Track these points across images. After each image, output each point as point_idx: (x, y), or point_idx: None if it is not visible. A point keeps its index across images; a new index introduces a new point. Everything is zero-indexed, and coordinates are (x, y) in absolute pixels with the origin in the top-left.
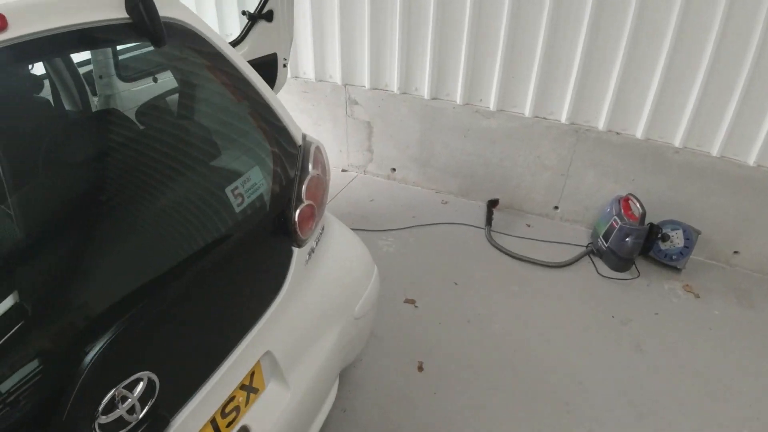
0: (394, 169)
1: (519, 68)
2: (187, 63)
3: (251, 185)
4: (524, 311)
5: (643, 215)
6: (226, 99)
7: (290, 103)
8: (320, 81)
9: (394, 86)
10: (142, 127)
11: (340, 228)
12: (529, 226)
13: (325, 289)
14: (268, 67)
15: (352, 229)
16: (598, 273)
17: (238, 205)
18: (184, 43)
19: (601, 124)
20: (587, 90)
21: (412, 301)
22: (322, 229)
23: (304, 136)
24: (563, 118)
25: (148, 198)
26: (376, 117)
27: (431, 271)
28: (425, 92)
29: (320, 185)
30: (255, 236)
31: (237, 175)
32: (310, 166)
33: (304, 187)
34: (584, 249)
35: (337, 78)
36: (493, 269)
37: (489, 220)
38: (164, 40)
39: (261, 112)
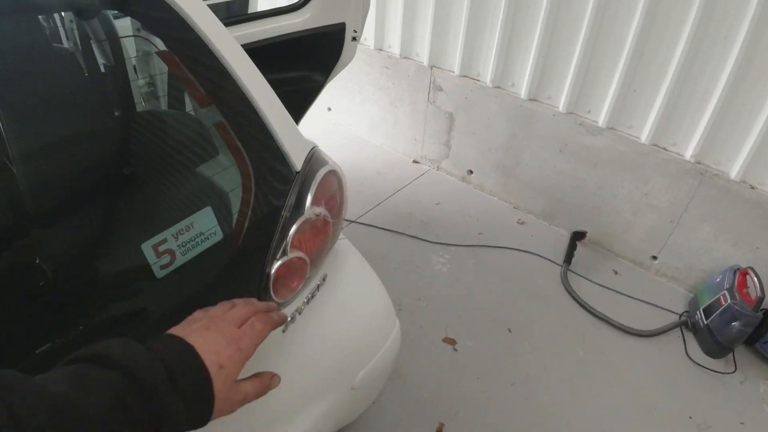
0: (471, 172)
1: (644, 83)
2: (141, 42)
3: (193, 236)
4: (584, 385)
5: (761, 300)
6: (183, 100)
7: (369, 77)
8: (405, 58)
9: (487, 77)
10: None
11: (356, 265)
12: (616, 273)
13: (314, 357)
14: (333, 38)
15: (407, 235)
16: (687, 354)
17: (163, 268)
18: (141, 14)
19: (733, 172)
20: (726, 126)
21: (452, 342)
22: (323, 279)
23: (310, 157)
24: (688, 153)
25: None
26: (460, 109)
27: (484, 307)
28: (522, 90)
29: (322, 230)
30: (193, 304)
31: (170, 221)
32: (308, 203)
33: (291, 233)
34: (677, 319)
35: (423, 57)
36: (559, 321)
37: (569, 256)
38: (93, 10)
39: (240, 121)
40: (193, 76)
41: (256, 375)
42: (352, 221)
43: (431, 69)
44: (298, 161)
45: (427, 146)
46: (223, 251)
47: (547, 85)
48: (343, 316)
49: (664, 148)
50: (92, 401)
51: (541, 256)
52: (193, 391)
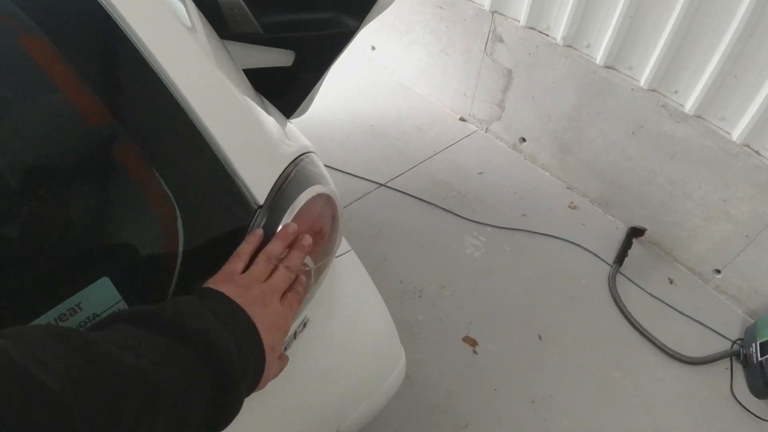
0: (523, 140)
1: (749, 69)
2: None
3: (83, 320)
4: (612, 413)
5: None
6: (62, 115)
7: (420, 16)
8: None
9: (558, 33)
10: None
11: (356, 286)
12: (671, 282)
13: (296, 402)
14: None
15: (441, 208)
16: (731, 390)
17: None
18: None
19: None
20: None
21: (472, 342)
22: (302, 325)
23: (285, 176)
24: None
25: None
26: (521, 66)
27: (515, 306)
28: (599, 55)
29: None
30: None
31: (45, 303)
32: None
33: None
34: (728, 347)
35: (484, 1)
36: (598, 333)
37: (622, 255)
38: None
39: (160, 139)
40: (79, 74)
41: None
42: (381, 184)
43: (492, 15)
44: (261, 189)
45: (477, 104)
46: None
47: (629, 53)
48: (334, 353)
49: (757, 152)
50: (169, 377)
51: (590, 251)
52: (252, 372)
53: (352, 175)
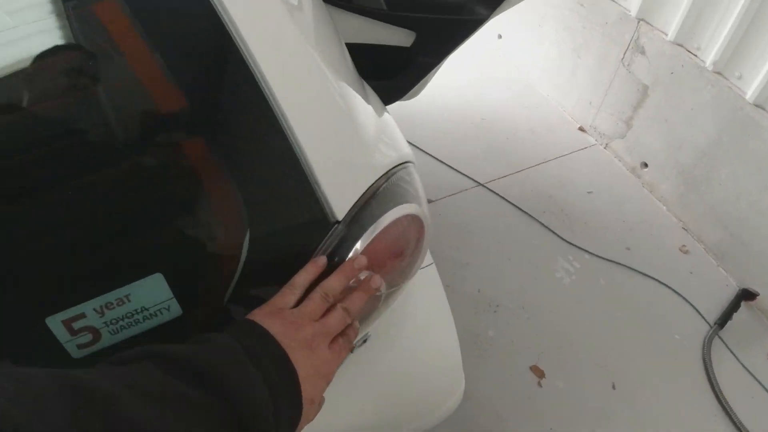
0: (645, 165)
1: None
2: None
3: (129, 312)
4: None
5: None
6: (138, 100)
7: (556, 11)
8: None
9: (709, 57)
10: None
11: (429, 305)
12: None
13: (327, 425)
14: None
15: (538, 222)
16: None
17: (82, 347)
18: None
19: None
20: None
21: (540, 373)
22: (362, 340)
23: (375, 191)
24: None
25: None
26: (659, 84)
27: (594, 346)
28: (750, 90)
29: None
30: None
31: (93, 290)
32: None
33: None
34: None
35: (632, 5)
36: (676, 395)
37: (725, 317)
38: None
39: (237, 137)
40: (158, 53)
41: None
42: (480, 184)
43: (638, 23)
44: (343, 202)
45: (601, 116)
46: (184, 332)
47: None
48: (390, 373)
49: None
50: None
51: (692, 305)
52: (286, 427)
53: (452, 168)
